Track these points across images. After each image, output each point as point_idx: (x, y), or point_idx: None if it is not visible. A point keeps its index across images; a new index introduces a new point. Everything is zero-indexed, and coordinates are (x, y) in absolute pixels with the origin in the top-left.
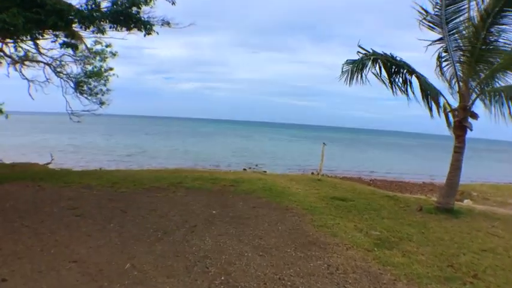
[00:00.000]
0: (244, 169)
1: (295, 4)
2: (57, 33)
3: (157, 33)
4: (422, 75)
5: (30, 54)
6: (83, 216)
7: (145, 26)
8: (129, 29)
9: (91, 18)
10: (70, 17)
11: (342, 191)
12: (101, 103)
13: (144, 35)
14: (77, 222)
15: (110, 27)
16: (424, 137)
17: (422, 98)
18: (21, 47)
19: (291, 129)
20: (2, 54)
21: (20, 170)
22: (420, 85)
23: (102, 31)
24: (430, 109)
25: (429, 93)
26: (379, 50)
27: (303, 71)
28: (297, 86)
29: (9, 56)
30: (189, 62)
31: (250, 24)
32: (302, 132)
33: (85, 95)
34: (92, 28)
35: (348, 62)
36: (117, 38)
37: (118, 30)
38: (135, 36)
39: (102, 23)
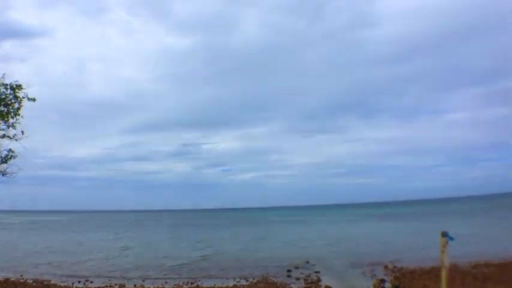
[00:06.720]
0: (289, 271)
1: (340, 86)
2: None
3: None
4: None
5: None
6: None
7: None
8: None
9: None
10: None
11: None
12: None
13: None
14: None
15: None
16: (491, 198)
17: None
18: None
19: (352, 208)
20: None
21: None
22: None
23: None
24: None
25: None
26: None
27: (357, 149)
28: (353, 164)
29: None
30: (245, 153)
31: (299, 111)
32: (364, 210)
33: None
34: None
35: None
36: None
37: None
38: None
39: None
